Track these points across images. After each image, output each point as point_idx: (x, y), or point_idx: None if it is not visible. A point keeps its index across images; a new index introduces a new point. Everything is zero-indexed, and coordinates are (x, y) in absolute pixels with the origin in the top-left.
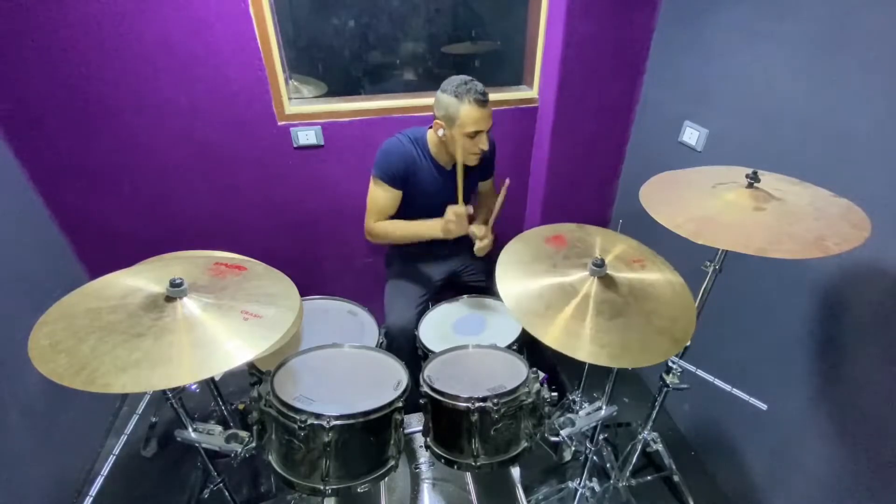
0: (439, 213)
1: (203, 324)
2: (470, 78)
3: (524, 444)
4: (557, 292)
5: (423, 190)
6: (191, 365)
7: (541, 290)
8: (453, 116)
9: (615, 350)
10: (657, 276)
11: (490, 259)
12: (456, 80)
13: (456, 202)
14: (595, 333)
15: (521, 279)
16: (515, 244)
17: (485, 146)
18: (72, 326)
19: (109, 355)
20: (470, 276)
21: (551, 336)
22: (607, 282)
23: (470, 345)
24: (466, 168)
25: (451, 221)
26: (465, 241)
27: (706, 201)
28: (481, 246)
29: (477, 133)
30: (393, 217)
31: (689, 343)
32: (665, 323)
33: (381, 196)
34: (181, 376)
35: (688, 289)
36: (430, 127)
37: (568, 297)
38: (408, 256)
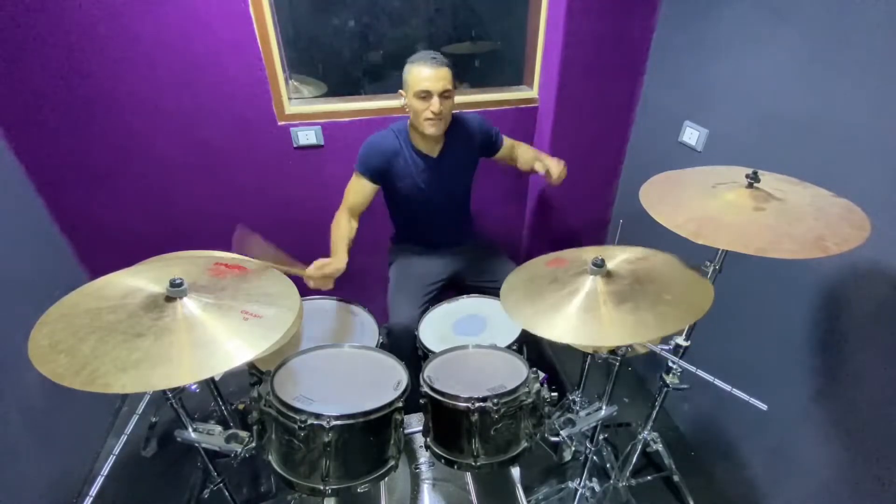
0: (423, 199)
1: (203, 324)
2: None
3: (524, 444)
4: (560, 293)
5: (403, 176)
6: (191, 365)
7: (544, 296)
8: (406, 80)
9: (629, 329)
10: (659, 263)
11: (494, 260)
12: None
13: (450, 195)
14: (609, 319)
15: (526, 296)
16: (517, 273)
17: (435, 108)
18: (72, 326)
19: (109, 355)
20: (474, 278)
21: (559, 331)
22: (610, 276)
23: (470, 345)
24: (457, 155)
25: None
26: (467, 243)
27: (706, 201)
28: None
29: (427, 94)
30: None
31: (689, 344)
32: (676, 297)
33: (354, 187)
34: (181, 376)
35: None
36: None
37: (570, 295)
38: (411, 254)
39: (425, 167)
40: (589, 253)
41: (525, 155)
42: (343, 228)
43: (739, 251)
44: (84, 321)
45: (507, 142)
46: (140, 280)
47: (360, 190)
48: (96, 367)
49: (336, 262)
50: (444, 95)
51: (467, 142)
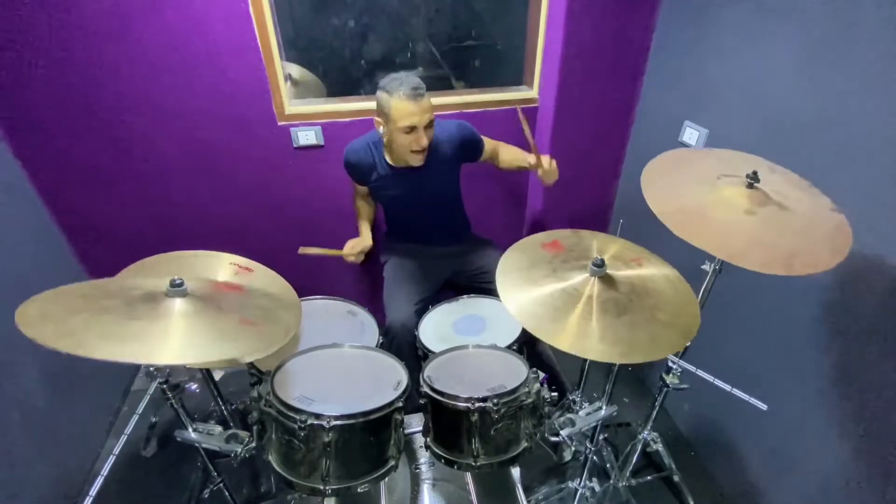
0: (405, 210)
1: (197, 319)
2: (407, 74)
3: (524, 444)
4: (562, 297)
5: (379, 188)
6: (178, 348)
7: (545, 298)
8: (387, 113)
9: (625, 347)
10: (655, 272)
11: (491, 259)
12: (392, 75)
13: (425, 197)
14: (603, 332)
15: (523, 289)
16: (512, 253)
17: (423, 142)
18: (66, 305)
19: (99, 329)
20: (471, 279)
21: (564, 341)
22: (608, 281)
23: (470, 345)
24: (436, 164)
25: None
26: (462, 243)
27: (704, 193)
28: (545, 170)
29: (413, 128)
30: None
31: (689, 343)
32: (669, 317)
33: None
34: (166, 355)
35: (686, 283)
36: None
37: (573, 301)
38: (405, 253)
39: (402, 179)
40: (583, 237)
41: (509, 154)
42: (364, 210)
43: (712, 253)
44: (80, 302)
45: (488, 144)
46: (140, 280)
47: (357, 186)
48: (83, 337)
49: (363, 240)
50: (429, 125)
51: (446, 150)
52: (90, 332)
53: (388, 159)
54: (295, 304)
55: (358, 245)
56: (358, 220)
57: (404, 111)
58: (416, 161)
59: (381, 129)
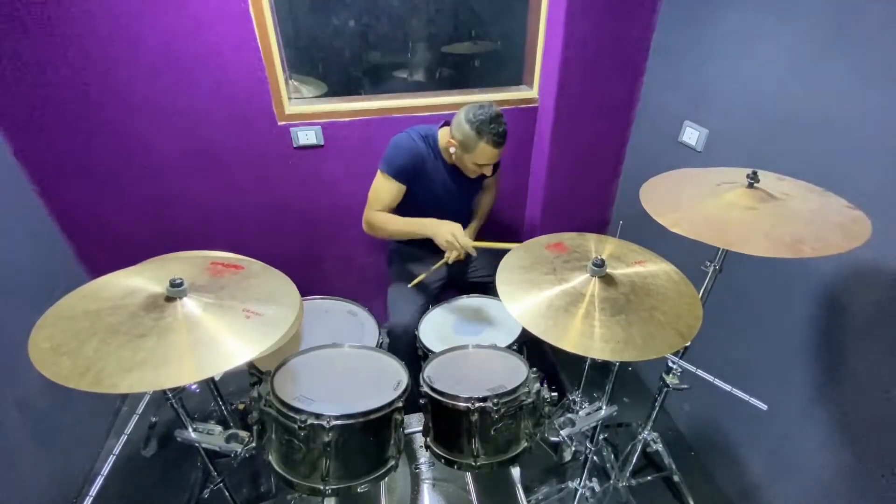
0: (446, 211)
1: (205, 323)
2: (497, 113)
3: (524, 444)
4: (564, 299)
5: (430, 187)
6: (196, 363)
7: (547, 300)
8: (469, 147)
9: (619, 345)
10: (658, 273)
11: (495, 257)
12: (482, 113)
13: (463, 203)
14: (601, 330)
15: (525, 291)
16: (516, 252)
17: (489, 173)
18: (72, 329)
19: (113, 356)
20: (474, 275)
21: (569, 342)
22: (608, 281)
23: (470, 345)
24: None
25: (452, 238)
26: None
27: (705, 200)
28: (453, 257)
29: (485, 165)
30: (396, 214)
31: (688, 343)
32: (668, 318)
33: (385, 188)
34: (187, 375)
35: (691, 285)
36: (441, 125)
37: (575, 303)
38: (409, 256)
39: (449, 177)
40: (587, 239)
41: (485, 198)
42: (393, 215)
43: (710, 242)
44: (84, 324)
45: (493, 177)
46: (138, 281)
47: (391, 190)
48: (101, 368)
49: (451, 225)
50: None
51: None
52: (106, 363)
53: (441, 153)
54: (291, 288)
55: (459, 235)
56: (401, 223)
57: (486, 154)
58: (473, 175)
59: (452, 149)
